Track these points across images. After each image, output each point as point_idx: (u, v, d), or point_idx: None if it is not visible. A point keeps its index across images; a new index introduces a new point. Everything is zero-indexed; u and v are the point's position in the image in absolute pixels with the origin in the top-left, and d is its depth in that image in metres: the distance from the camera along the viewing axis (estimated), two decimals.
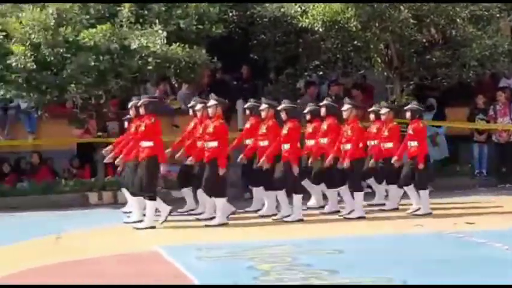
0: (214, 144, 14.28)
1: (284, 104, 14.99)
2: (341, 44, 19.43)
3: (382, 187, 16.33)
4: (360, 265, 10.07)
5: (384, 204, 15.97)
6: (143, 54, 17.15)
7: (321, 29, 18.35)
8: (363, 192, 15.22)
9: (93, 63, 17.06)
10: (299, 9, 18.45)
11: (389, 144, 15.69)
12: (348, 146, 14.97)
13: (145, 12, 17.52)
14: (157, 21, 17.27)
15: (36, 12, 16.93)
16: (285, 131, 14.62)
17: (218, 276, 9.53)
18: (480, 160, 20.51)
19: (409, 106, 15.72)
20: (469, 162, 20.60)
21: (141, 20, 17.35)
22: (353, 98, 20.34)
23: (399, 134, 15.85)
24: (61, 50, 17.11)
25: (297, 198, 14.60)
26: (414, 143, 15.17)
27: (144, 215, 14.17)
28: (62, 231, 13.90)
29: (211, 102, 14.75)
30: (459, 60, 19.30)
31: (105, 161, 16.24)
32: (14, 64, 17.04)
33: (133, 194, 14.65)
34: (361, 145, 15.24)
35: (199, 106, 15.22)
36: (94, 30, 16.86)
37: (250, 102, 15.98)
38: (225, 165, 14.24)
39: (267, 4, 18.71)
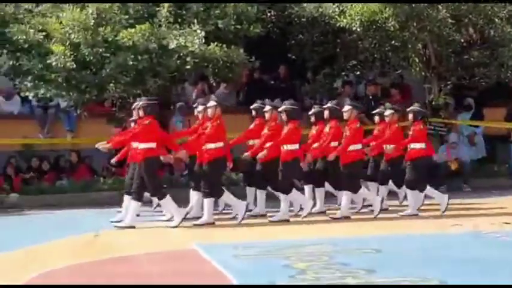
0: (212, 146, 14.33)
1: (285, 106, 14.99)
2: (379, 44, 19.42)
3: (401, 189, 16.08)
4: (397, 265, 10.03)
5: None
6: (181, 54, 17.19)
7: (358, 29, 18.37)
8: (350, 193, 15.06)
9: (131, 63, 17.14)
10: (337, 9, 18.46)
11: (391, 146, 15.53)
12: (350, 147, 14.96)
13: (184, 12, 17.56)
14: (195, 21, 17.30)
15: (76, 12, 17.03)
16: (285, 131, 14.64)
17: (254, 275, 9.49)
18: None
19: (411, 108, 15.59)
20: (507, 163, 20.49)
21: (179, 20, 17.40)
22: (391, 97, 20.46)
23: (402, 136, 15.65)
24: (100, 50, 17.18)
25: (283, 197, 14.76)
26: (416, 145, 15.14)
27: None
28: (100, 229, 13.91)
29: (211, 103, 14.74)
30: (497, 60, 19.30)
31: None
32: (54, 64, 17.15)
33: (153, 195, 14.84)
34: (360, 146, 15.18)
35: (200, 108, 15.16)
36: (133, 30, 16.91)
37: (257, 104, 15.96)
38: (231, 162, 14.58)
39: (305, 4, 18.72)
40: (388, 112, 15.72)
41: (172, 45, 17.01)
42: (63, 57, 17.02)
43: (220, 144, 14.32)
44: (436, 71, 19.69)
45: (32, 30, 17.48)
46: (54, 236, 13.47)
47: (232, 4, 17.72)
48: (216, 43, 17.28)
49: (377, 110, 16.40)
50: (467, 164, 19.83)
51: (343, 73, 21.27)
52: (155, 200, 15.29)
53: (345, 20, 18.30)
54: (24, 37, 17.45)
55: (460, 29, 19.05)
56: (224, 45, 17.42)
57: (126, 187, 14.99)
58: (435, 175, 19.24)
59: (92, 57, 17.24)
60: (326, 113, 15.38)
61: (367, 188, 15.86)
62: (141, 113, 14.30)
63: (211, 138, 14.24)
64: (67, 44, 17.09)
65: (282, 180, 14.61)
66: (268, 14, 18.89)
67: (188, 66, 17.57)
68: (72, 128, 19.98)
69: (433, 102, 19.82)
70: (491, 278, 9.10)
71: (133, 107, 14.97)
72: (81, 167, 19.49)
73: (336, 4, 18.48)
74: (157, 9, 17.28)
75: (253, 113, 15.96)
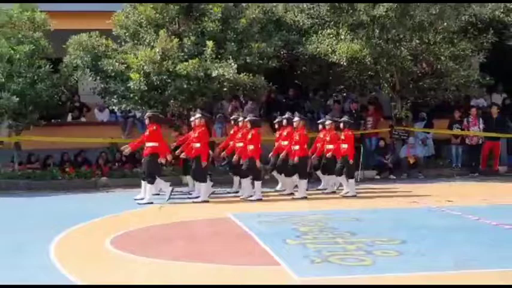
0: (198, 145, 14.35)
1: (248, 117, 15.21)
2: (359, 74, 19.42)
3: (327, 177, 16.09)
4: (371, 229, 10.13)
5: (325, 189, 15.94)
6: (220, 80, 17.23)
7: (345, 63, 18.35)
8: (306, 180, 15.00)
9: (185, 86, 17.20)
10: (329, 49, 18.40)
11: (330, 146, 15.53)
12: (297, 147, 14.92)
13: (222, 51, 17.59)
14: (230, 57, 17.33)
15: (147, 51, 17.07)
16: (249, 136, 14.69)
17: (271, 235, 9.63)
18: (456, 157, 20.42)
19: (342, 119, 15.80)
20: (449, 158, 20.47)
21: (219, 56, 17.43)
22: (368, 111, 20.46)
23: (338, 139, 15.56)
24: (164, 77, 17.24)
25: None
26: (345, 146, 15.13)
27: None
28: (164, 202, 14.06)
29: (197, 115, 14.91)
30: (442, 86, 19.33)
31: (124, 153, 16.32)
32: (132, 86, 17.28)
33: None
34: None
35: (192, 118, 15.22)
36: (187, 63, 16.96)
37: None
38: (206, 159, 14.33)
39: (307, 46, 18.64)
40: (328, 122, 15.80)
41: (214, 74, 17.05)
42: (138, 82, 17.14)
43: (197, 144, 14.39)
44: (399, 93, 19.70)
45: (117, 63, 17.61)
46: (132, 207, 13.62)
47: (256, 45, 17.72)
48: (244, 73, 17.34)
49: (320, 121, 16.51)
50: (421, 159, 19.83)
51: (334, 94, 21.32)
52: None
53: (335, 57, 18.29)
54: (112, 67, 17.57)
55: (417, 64, 19.02)
56: (250, 74, 17.47)
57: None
58: (399, 167, 19.31)
59: (158, 82, 17.33)
60: (341, 125, 15.42)
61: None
62: (147, 121, 14.75)
63: (197, 140, 14.38)
64: (141, 72, 17.17)
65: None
66: (282, 53, 18.89)
67: (225, 89, 17.66)
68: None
69: (397, 115, 19.81)
70: (438, 240, 9.12)
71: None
72: None
73: (329, 46, 18.42)
74: (204, 48, 17.29)
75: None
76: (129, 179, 17.86)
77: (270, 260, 8.04)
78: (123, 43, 18.16)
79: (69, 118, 20.65)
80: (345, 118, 15.91)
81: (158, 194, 14.74)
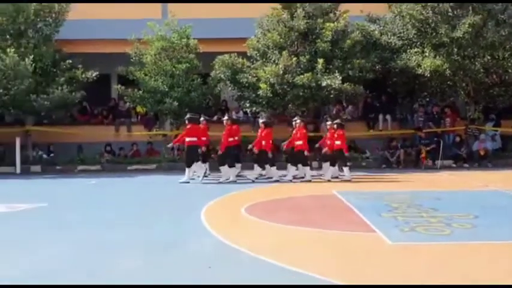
0: (300, 142, 14.62)
1: (262, 119, 15.37)
2: (440, 83, 18.76)
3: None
4: (450, 206, 9.82)
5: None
6: (328, 89, 17.13)
7: (428, 75, 17.81)
8: (308, 167, 14.83)
9: (301, 94, 17.25)
10: (416, 64, 17.92)
11: (300, 142, 14.83)
12: (300, 142, 14.71)
13: (330, 66, 17.50)
14: (336, 71, 17.22)
15: (273, 67, 17.22)
16: (263, 134, 14.80)
17: (368, 209, 9.53)
18: None
19: (335, 121, 15.31)
20: None
21: (328, 70, 17.34)
22: (447, 113, 19.75)
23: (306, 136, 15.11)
24: (285, 87, 17.35)
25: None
26: (338, 142, 14.77)
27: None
28: (282, 181, 14.16)
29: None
30: (509, 93, 18.44)
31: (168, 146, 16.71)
32: (260, 94, 17.53)
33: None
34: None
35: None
36: (302, 76, 16.98)
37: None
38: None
39: (398, 61, 18.25)
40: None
41: (323, 84, 17.00)
42: (265, 90, 17.37)
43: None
44: (473, 99, 18.91)
45: (250, 77, 17.90)
46: (257, 185, 13.78)
47: (357, 61, 17.53)
48: (347, 83, 17.18)
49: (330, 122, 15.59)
50: (490, 152, 18.92)
51: (419, 99, 20.68)
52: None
53: (420, 70, 17.80)
54: (246, 80, 17.89)
55: (488, 76, 18.20)
56: (352, 84, 17.29)
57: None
58: (472, 158, 18.56)
59: (280, 91, 17.47)
60: (335, 126, 15.05)
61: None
62: (187, 121, 14.78)
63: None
64: (268, 83, 17.36)
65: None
66: (377, 67, 18.54)
67: (331, 96, 17.56)
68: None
69: (471, 116, 19.05)
70: (506, 216, 8.77)
71: (185, 118, 15.22)
72: (273, 147, 19.47)
73: (415, 61, 17.94)
74: (316, 64, 17.24)
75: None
76: None
77: (368, 228, 8.00)
78: (254, 61, 18.38)
79: (214, 118, 21.17)
80: (338, 121, 15.56)
81: (193, 179, 14.75)
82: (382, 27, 19.07)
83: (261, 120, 15.55)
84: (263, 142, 14.81)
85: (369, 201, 10.53)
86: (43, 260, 6.51)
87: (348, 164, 14.98)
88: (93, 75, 18.57)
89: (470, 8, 17.65)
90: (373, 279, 5.57)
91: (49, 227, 8.48)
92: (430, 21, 17.97)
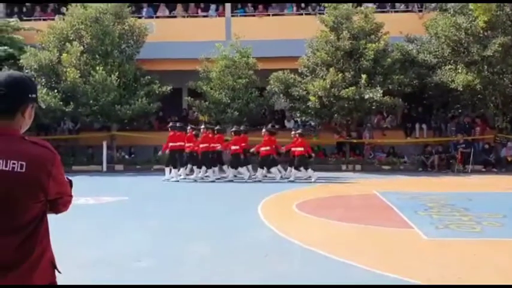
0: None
1: (235, 128, 14.95)
2: (471, 96, 18.09)
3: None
4: (480, 206, 9.46)
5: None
6: (370, 101, 16.86)
7: (460, 89, 17.23)
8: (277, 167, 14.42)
9: (346, 105, 17.04)
10: (449, 79, 17.38)
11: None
12: (301, 148, 14.29)
13: (372, 81, 17.21)
14: (378, 85, 16.93)
15: (321, 82, 17.07)
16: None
17: (406, 208, 9.30)
18: None
19: (298, 131, 14.93)
20: None
21: (370, 85, 17.06)
22: (477, 123, 19.05)
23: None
24: (331, 99, 17.16)
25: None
26: (300, 148, 14.24)
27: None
28: (329, 182, 13.91)
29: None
30: None
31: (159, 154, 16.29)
32: (310, 105, 17.42)
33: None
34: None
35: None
36: (347, 89, 16.76)
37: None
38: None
39: (433, 77, 17.74)
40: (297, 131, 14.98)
41: (366, 97, 16.71)
42: (314, 102, 17.24)
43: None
44: (501, 110, 18.12)
45: (300, 90, 17.81)
46: (306, 184, 13.68)
47: (396, 77, 17.17)
48: (387, 96, 16.86)
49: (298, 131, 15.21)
50: None
51: (452, 111, 20.01)
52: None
53: (453, 85, 17.24)
54: (297, 93, 17.80)
55: None
56: (392, 97, 16.95)
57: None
58: (500, 163, 17.83)
59: (327, 103, 17.29)
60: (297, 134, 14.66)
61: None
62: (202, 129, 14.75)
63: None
64: (316, 96, 17.23)
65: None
66: (414, 82, 18.05)
67: (373, 107, 17.28)
68: (316, 135, 19.99)
69: (499, 126, 18.27)
70: None
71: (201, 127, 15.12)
72: (320, 152, 19.29)
73: (449, 77, 17.39)
74: (359, 79, 17.00)
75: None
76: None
77: (406, 225, 7.79)
78: (305, 77, 18.28)
79: (269, 126, 21.13)
80: (300, 130, 15.21)
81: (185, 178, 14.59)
82: (419, 47, 18.59)
83: (264, 129, 15.20)
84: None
85: (407, 201, 10.28)
86: (123, 244, 6.67)
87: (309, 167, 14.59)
88: (168, 89, 18.95)
89: (500, 30, 17.02)
90: (412, 270, 5.41)
91: (129, 217, 8.69)
92: (463, 41, 17.43)
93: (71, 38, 18.45)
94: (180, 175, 14.70)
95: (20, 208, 2.10)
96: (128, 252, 6.20)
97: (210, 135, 14.71)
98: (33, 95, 2.24)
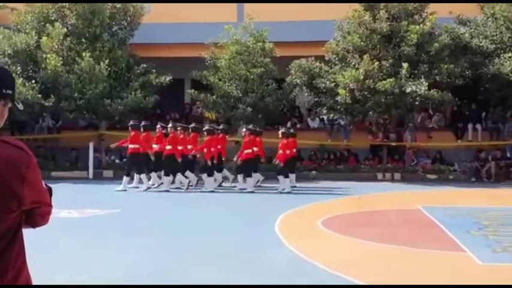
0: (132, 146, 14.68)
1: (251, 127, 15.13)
2: None
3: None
4: None
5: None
6: (413, 96, 16.80)
7: None
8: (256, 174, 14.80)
9: (383, 100, 17.02)
10: (509, 68, 17.22)
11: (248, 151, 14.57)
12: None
13: (416, 71, 17.13)
14: (422, 76, 16.87)
15: (353, 72, 17.04)
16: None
17: (456, 226, 9.21)
18: None
19: (282, 130, 15.23)
20: None
21: (412, 76, 17.00)
22: None
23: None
24: (365, 93, 17.16)
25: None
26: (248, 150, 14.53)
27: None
28: (362, 194, 13.92)
29: (130, 122, 15.13)
30: None
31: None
32: (339, 100, 17.43)
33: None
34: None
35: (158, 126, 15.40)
36: (385, 81, 16.71)
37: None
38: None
39: (490, 67, 17.58)
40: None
41: (408, 90, 16.67)
42: (344, 96, 17.22)
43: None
44: None
45: (327, 82, 17.79)
46: (334, 196, 13.68)
47: (445, 66, 17.06)
48: (434, 89, 16.77)
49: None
50: None
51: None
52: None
53: None
54: (323, 85, 17.79)
55: None
56: (439, 91, 16.86)
57: None
58: None
59: (360, 97, 17.28)
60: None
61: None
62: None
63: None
64: (347, 89, 17.20)
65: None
66: (467, 72, 17.92)
67: (417, 103, 17.22)
68: (346, 136, 20.03)
69: None
70: None
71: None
72: (351, 157, 19.47)
73: (510, 67, 17.22)
74: (400, 69, 16.93)
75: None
76: (334, 174, 17.92)
77: (456, 247, 7.72)
78: (333, 66, 18.28)
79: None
80: (284, 129, 15.47)
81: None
82: (472, 30, 18.48)
83: (244, 129, 15.37)
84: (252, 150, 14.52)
85: (457, 218, 10.18)
86: (113, 266, 6.68)
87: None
88: (167, 79, 19.03)
89: None
90: None
91: (122, 233, 8.72)
92: None
93: (53, 18, 18.68)
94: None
95: None
96: (119, 277, 6.21)
97: (181, 136, 14.85)
98: (8, 91, 2.25)
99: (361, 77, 16.89)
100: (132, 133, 14.83)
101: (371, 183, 16.52)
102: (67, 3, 18.61)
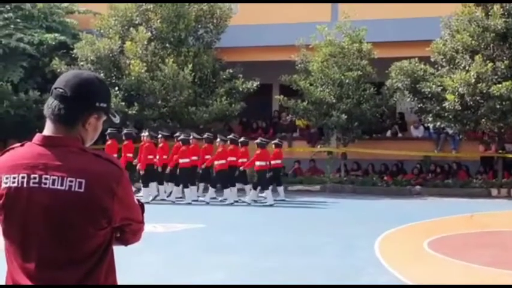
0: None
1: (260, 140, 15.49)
2: None
3: None
4: None
5: None
6: None
7: None
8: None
9: (498, 106, 16.50)
10: None
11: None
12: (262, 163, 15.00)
13: None
14: None
15: (463, 74, 16.58)
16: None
17: None
18: None
19: (275, 141, 15.83)
20: None
21: None
22: None
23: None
24: (477, 98, 16.68)
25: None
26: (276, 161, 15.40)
27: None
28: (474, 212, 13.45)
29: (124, 131, 15.78)
30: None
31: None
32: (447, 107, 17.02)
33: None
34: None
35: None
36: (500, 85, 16.16)
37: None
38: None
39: None
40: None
41: None
42: (453, 102, 16.81)
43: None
44: None
45: (433, 86, 17.41)
46: (444, 214, 13.31)
47: None
48: None
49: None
50: None
51: None
52: None
53: None
54: (429, 90, 17.43)
55: None
56: None
57: None
58: None
59: (471, 103, 16.82)
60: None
61: None
62: None
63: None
64: (456, 94, 16.76)
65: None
66: None
67: None
68: (455, 147, 19.47)
69: None
70: None
71: None
72: (461, 171, 18.91)
73: None
74: None
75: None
76: (441, 189, 17.50)
77: None
78: (439, 68, 17.90)
79: (388, 133, 20.90)
80: (231, 136, 15.78)
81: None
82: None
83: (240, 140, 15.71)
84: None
85: None
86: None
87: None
88: (254, 85, 19.24)
89: None
90: None
91: (207, 250, 8.86)
92: None
93: (137, 22, 19.37)
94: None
95: (78, 236, 2.19)
96: None
97: (183, 147, 15.14)
98: (102, 104, 2.33)
99: (473, 80, 16.46)
100: (109, 141, 15.28)
101: (484, 200, 16.04)
102: (151, 6, 19.24)
